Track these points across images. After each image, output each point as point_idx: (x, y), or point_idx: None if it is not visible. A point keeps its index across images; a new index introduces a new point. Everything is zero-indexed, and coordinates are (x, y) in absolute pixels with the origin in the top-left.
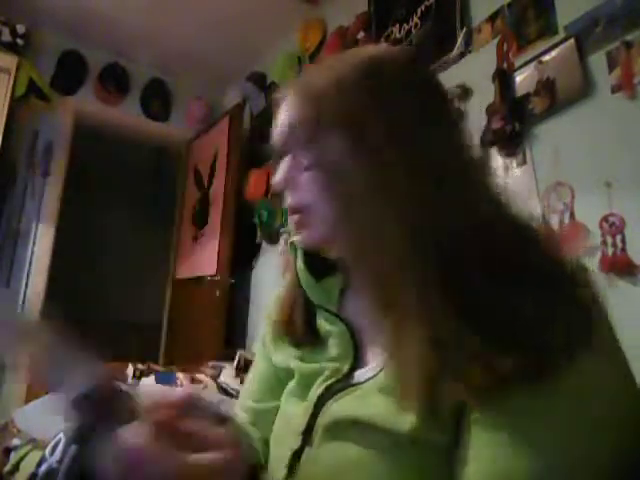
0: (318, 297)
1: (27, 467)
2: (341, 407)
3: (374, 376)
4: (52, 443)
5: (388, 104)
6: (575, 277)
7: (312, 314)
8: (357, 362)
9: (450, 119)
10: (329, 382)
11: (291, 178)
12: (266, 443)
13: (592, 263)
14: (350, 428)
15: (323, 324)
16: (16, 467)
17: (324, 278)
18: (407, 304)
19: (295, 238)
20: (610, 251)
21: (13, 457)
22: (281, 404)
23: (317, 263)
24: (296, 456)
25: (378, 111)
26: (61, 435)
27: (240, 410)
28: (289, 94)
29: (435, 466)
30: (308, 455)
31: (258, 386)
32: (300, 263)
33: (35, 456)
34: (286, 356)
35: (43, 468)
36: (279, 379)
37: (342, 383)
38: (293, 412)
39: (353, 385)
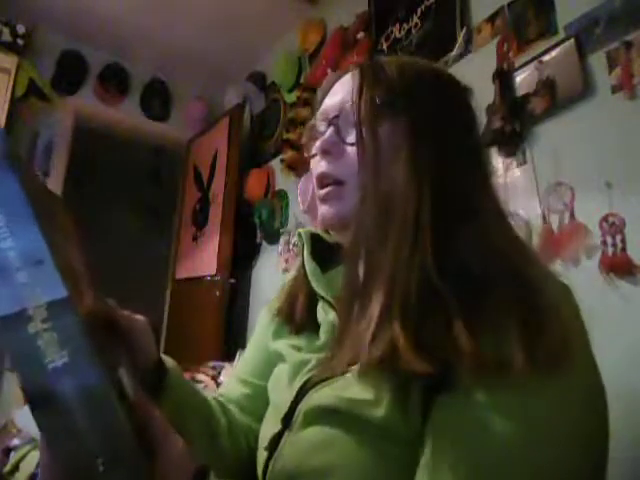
0: (320, 286)
1: (27, 467)
2: (321, 396)
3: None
4: None
5: (444, 108)
6: (559, 293)
7: (314, 304)
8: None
9: (476, 132)
10: (313, 372)
11: (332, 147)
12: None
13: (592, 263)
14: (327, 415)
15: (321, 314)
16: (16, 467)
17: (329, 270)
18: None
19: (322, 209)
20: (610, 251)
21: (13, 457)
22: (269, 390)
23: (324, 253)
24: (275, 440)
25: (434, 111)
26: None
27: (237, 382)
28: (356, 70)
29: (399, 455)
30: (286, 439)
31: (258, 365)
32: (307, 251)
33: (35, 456)
34: (282, 344)
35: None
36: (272, 363)
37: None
38: (280, 399)
39: (335, 376)
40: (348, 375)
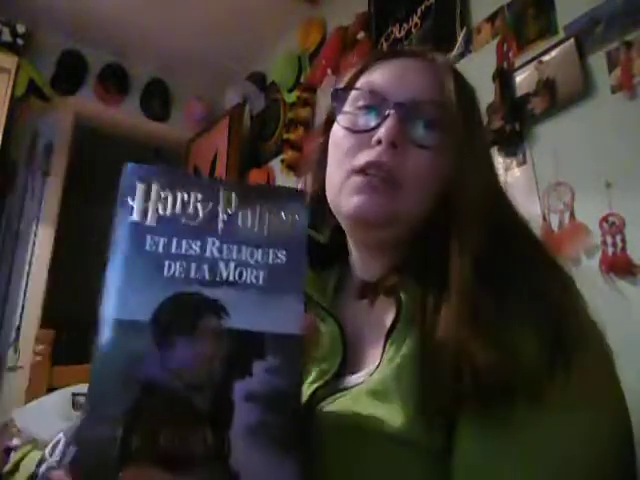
0: (313, 290)
1: (27, 467)
2: (329, 412)
3: (362, 382)
4: (52, 443)
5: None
6: (571, 293)
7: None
8: (345, 364)
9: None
10: (315, 385)
11: (399, 140)
12: None
13: (592, 263)
14: (339, 433)
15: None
16: (16, 467)
17: (321, 272)
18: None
19: (361, 198)
20: (610, 251)
21: (13, 457)
22: None
23: (313, 255)
24: None
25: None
26: (61, 435)
27: None
28: (444, 67)
29: (428, 466)
30: None
31: None
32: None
33: (35, 456)
34: None
35: (43, 468)
36: None
37: (330, 387)
38: None
39: (341, 390)
40: (359, 388)
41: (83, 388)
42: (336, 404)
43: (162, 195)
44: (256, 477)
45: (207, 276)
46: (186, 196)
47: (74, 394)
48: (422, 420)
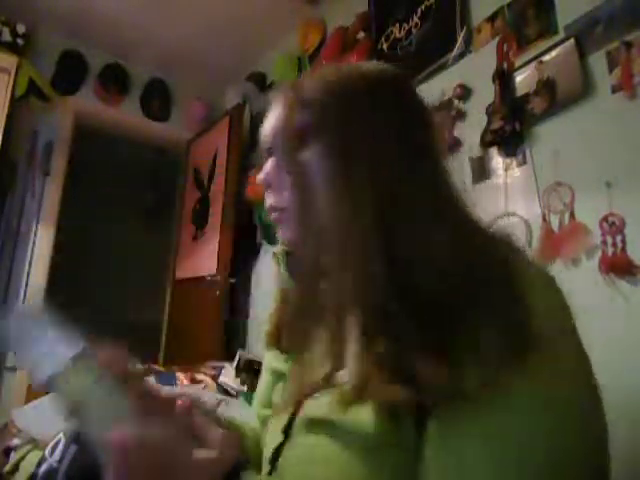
0: None
1: (27, 467)
2: (316, 406)
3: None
4: (52, 443)
5: (373, 126)
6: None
7: None
8: (337, 364)
9: (430, 152)
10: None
11: (272, 178)
12: None
13: (592, 263)
14: (323, 426)
15: None
16: (16, 467)
17: None
18: (360, 302)
19: (278, 236)
20: (610, 251)
21: (13, 457)
22: (273, 405)
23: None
24: (277, 452)
25: (361, 131)
26: (61, 435)
27: (254, 416)
28: (281, 97)
29: (402, 465)
30: (286, 450)
31: (265, 392)
32: (283, 270)
33: (35, 456)
34: (279, 360)
35: (43, 468)
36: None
37: (322, 383)
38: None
39: (332, 386)
40: (344, 387)
41: None
42: (323, 399)
43: None
44: None
45: None
46: None
47: None
48: (392, 420)
